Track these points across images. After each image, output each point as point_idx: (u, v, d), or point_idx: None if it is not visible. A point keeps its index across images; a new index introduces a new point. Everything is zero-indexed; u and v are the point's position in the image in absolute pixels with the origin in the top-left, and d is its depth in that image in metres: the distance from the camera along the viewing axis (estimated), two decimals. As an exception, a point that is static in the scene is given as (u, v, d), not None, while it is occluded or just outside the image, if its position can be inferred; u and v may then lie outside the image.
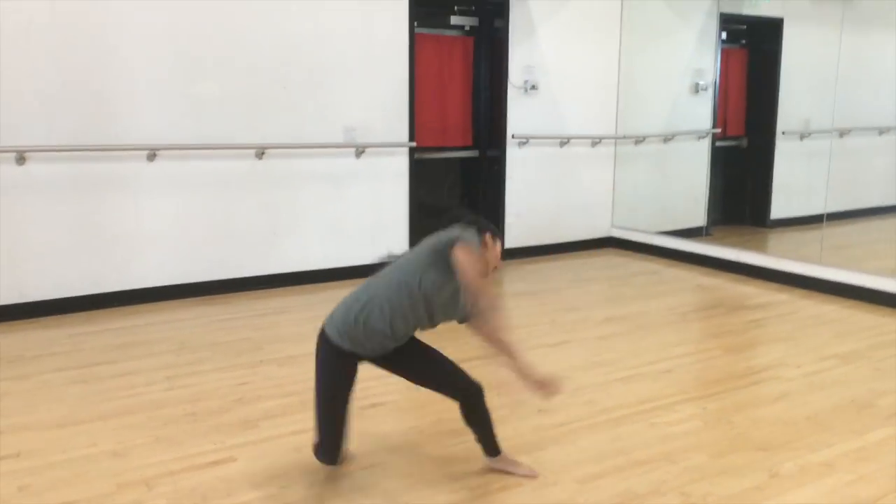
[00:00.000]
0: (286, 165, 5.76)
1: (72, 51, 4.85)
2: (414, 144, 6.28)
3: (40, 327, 4.71)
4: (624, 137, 7.43)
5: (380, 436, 3.23)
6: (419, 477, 2.84)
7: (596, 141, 7.35)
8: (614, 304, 5.45)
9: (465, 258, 2.47)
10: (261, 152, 5.61)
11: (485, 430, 2.86)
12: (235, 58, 5.41)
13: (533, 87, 6.87)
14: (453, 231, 2.61)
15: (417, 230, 6.43)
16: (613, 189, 7.55)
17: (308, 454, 2.93)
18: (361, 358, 2.71)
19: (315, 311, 5.15)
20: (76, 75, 4.88)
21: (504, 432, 3.20)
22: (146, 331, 4.69)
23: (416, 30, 6.20)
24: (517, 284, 6.16)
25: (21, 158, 4.77)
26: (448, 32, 6.69)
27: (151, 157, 5.20)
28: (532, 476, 2.84)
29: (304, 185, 5.85)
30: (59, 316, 4.89)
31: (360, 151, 6.05)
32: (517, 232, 6.98)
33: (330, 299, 5.38)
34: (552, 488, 2.75)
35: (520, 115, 6.85)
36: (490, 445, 2.88)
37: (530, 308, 5.32)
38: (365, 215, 6.15)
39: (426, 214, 6.59)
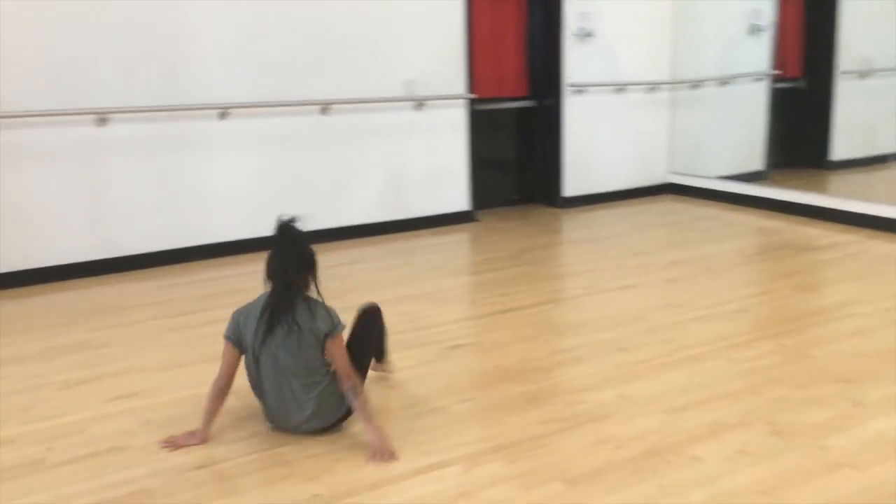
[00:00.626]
0: (349, 120, 5.88)
1: (145, 17, 4.99)
2: (472, 96, 6.34)
3: (130, 280, 4.95)
4: (680, 82, 7.38)
5: (468, 374, 3.39)
6: (510, 410, 2.99)
7: (651, 87, 7.31)
8: (678, 249, 5.51)
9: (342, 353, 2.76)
10: (325, 108, 5.73)
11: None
12: (297, 16, 5.51)
13: (588, 35, 6.85)
14: (319, 313, 2.77)
15: (477, 182, 6.52)
16: (670, 135, 7.53)
17: (410, 389, 3.12)
18: None
19: (385, 261, 5.33)
20: (150, 40, 5.03)
21: (586, 370, 3.35)
22: (227, 282, 4.90)
23: (473, -19, 6.21)
24: (578, 231, 6.24)
25: (102, 119, 4.96)
26: (503, -18, 6.69)
27: (223, 115, 5.36)
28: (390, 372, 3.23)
29: (366, 139, 5.97)
30: (145, 269, 5.12)
31: (419, 104, 6.14)
32: (575, 180, 7.04)
33: (397, 251, 5.62)
34: (642, 419, 2.88)
35: (576, 63, 6.85)
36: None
37: (594, 254, 5.41)
38: (425, 168, 6.26)
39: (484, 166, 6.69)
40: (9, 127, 4.69)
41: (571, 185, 7.04)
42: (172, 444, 2.77)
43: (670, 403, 3.00)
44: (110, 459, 2.68)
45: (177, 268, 5.19)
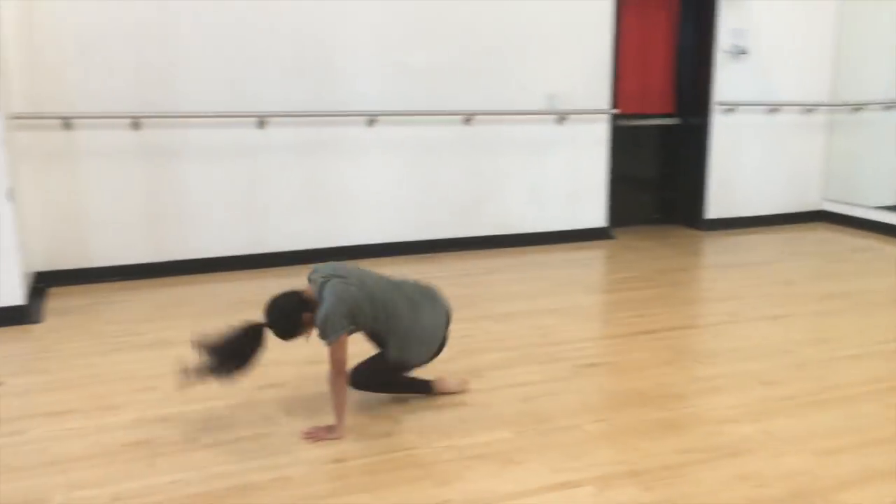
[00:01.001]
0: (491, 132, 5.94)
1: (306, 26, 5.25)
2: (616, 111, 6.26)
3: (277, 276, 5.19)
4: (840, 105, 6.99)
5: (602, 394, 3.34)
6: (646, 435, 2.92)
7: (808, 108, 6.97)
8: (831, 280, 5.21)
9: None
10: (468, 118, 5.82)
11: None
12: (446, 27, 5.64)
13: (742, 52, 6.61)
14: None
15: (615, 199, 6.43)
16: (826, 160, 7.14)
17: (542, 405, 3.12)
18: None
19: (518, 272, 5.34)
20: (308, 48, 5.29)
21: (727, 401, 3.23)
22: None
23: (623, -5, 6.15)
24: (720, 256, 6.02)
25: (261, 123, 5.25)
26: (655, -3, 6.57)
27: (371, 122, 5.55)
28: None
29: (506, 151, 6.02)
30: (292, 266, 5.36)
31: (561, 118, 6.12)
32: (719, 202, 6.80)
33: (532, 263, 5.61)
34: (787, 458, 2.74)
35: (727, 81, 6.63)
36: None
37: (739, 280, 5.20)
38: (564, 182, 6.24)
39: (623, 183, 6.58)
40: (182, 126, 5.05)
41: (715, 206, 6.81)
42: (314, 436, 2.89)
43: (819, 445, 2.84)
44: (256, 445, 2.83)
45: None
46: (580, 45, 6.06)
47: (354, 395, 3.23)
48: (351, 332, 2.95)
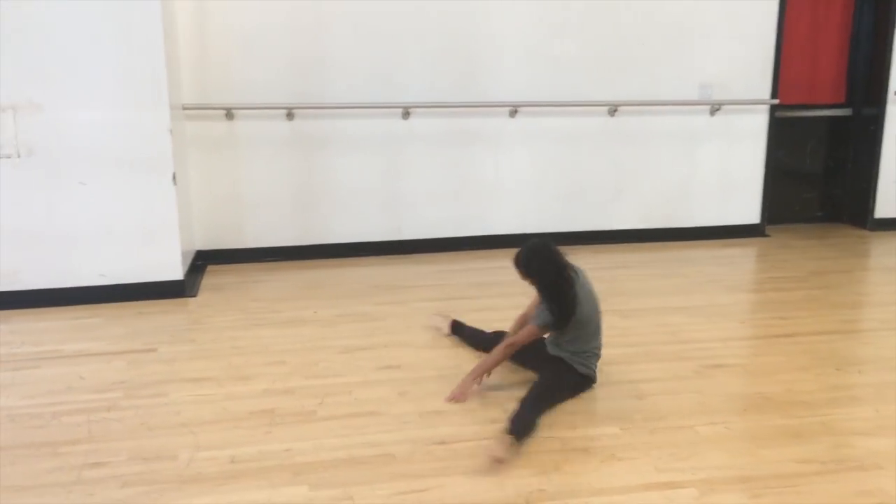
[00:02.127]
0: (637, 123, 5.78)
1: (451, 18, 5.35)
2: (776, 102, 5.89)
3: (413, 262, 5.36)
4: None
5: (724, 397, 3.19)
6: (764, 441, 2.76)
7: None
8: None
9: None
10: (613, 109, 5.69)
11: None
12: (594, 17, 5.53)
13: (927, 37, 6.01)
14: None
15: (774, 194, 6.06)
16: None
17: (657, 403, 3.04)
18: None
19: (653, 269, 5.18)
20: (453, 40, 5.38)
21: (863, 412, 3.00)
22: (500, 273, 5.02)
23: (790, -23, 5.76)
24: (888, 258, 5.54)
25: (406, 113, 5.41)
26: (827, -21, 6.11)
27: (513, 113, 5.56)
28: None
29: (652, 143, 5.83)
30: (428, 254, 5.51)
31: (715, 109, 5.85)
32: (892, 200, 6.24)
33: (673, 259, 5.41)
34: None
35: (907, 68, 6.05)
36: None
37: (905, 285, 4.77)
38: (715, 176, 5.96)
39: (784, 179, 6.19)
40: (331, 117, 5.31)
41: (887, 205, 6.25)
42: (458, 397, 3.09)
43: (960, 466, 2.57)
44: (367, 422, 2.96)
45: (456, 255, 5.50)
46: (740, 31, 5.75)
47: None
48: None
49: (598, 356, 3.27)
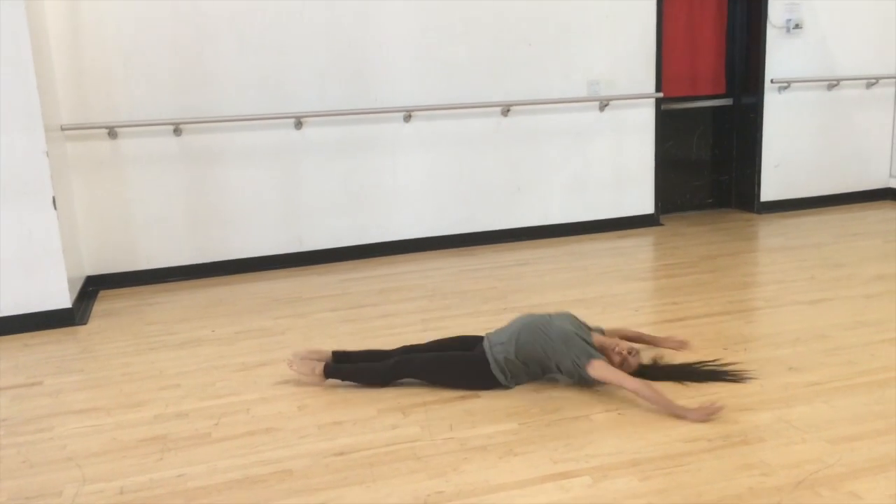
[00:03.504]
0: (530, 121, 5.87)
1: (339, 25, 5.31)
2: (661, 95, 6.10)
3: (315, 273, 5.29)
4: (908, 76, 6.61)
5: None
6: (656, 425, 2.84)
7: (872, 82, 6.62)
8: (887, 262, 4.93)
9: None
10: (506, 109, 5.77)
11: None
12: (481, 19, 5.60)
13: (797, 27, 6.34)
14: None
15: (665, 185, 6.27)
16: (894, 135, 6.76)
17: (554, 395, 3.09)
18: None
19: (555, 263, 5.27)
20: (342, 47, 5.34)
21: (748, 388, 3.12)
22: (403, 278, 5.08)
23: (665, -25, 5.97)
24: (773, 239, 5.79)
25: (298, 123, 5.34)
26: (700, -25, 6.36)
27: (407, 118, 5.57)
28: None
29: (546, 140, 5.94)
30: (330, 263, 5.45)
31: (603, 105, 6.00)
32: (775, 184, 6.55)
33: (572, 253, 5.53)
34: (800, 446, 2.62)
35: (780, 57, 6.37)
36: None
37: (787, 263, 5.00)
38: (608, 170, 6.11)
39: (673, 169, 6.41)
40: (222, 130, 5.19)
41: (771, 189, 6.55)
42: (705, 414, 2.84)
43: (837, 432, 2.70)
44: (264, 439, 2.90)
45: (358, 263, 5.46)
46: (622, 29, 5.92)
47: (367, 393, 3.27)
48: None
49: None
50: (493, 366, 3.17)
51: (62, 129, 4.81)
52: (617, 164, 6.13)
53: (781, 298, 4.27)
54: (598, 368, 3.01)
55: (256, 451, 2.80)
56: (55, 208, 4.29)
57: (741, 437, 2.71)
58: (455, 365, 3.23)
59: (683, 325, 3.91)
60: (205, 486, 2.58)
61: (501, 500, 2.41)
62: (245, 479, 2.62)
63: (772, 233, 5.96)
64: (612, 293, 4.53)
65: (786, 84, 6.40)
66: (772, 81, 6.37)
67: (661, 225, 6.23)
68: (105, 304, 4.76)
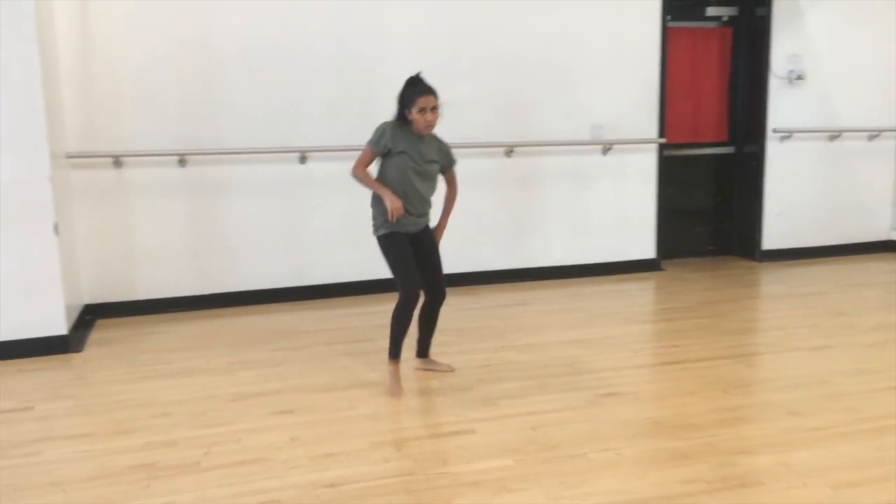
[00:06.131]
0: (533, 163, 5.90)
1: (347, 63, 5.37)
2: (663, 141, 6.14)
3: (315, 307, 5.26)
4: (910, 129, 6.66)
5: (616, 424, 3.22)
6: (653, 465, 2.80)
7: (874, 134, 6.66)
8: (887, 312, 4.90)
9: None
10: (509, 150, 5.80)
11: (429, 332, 3.87)
12: (487, 60, 5.66)
13: (799, 78, 6.40)
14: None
15: (667, 230, 6.27)
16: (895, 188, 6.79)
17: (551, 433, 3.04)
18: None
19: (555, 304, 5.25)
20: (349, 83, 5.40)
21: (748, 431, 3.07)
22: (402, 315, 5.04)
23: (669, 24, 6.05)
24: (774, 287, 5.77)
25: (303, 157, 5.38)
26: (704, 24, 6.45)
27: (411, 156, 5.58)
28: (449, 370, 3.84)
29: (549, 182, 5.96)
30: (330, 298, 5.43)
31: (606, 149, 6.04)
32: (778, 233, 6.55)
33: (571, 294, 5.50)
34: (799, 491, 2.57)
35: (783, 107, 6.43)
36: (423, 347, 3.89)
37: (790, 311, 4.97)
38: (610, 213, 6.12)
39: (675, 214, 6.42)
40: (226, 162, 5.22)
41: (773, 237, 6.55)
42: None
43: (837, 477, 2.65)
44: (254, 469, 2.85)
45: (359, 298, 5.44)
46: (627, 74, 5.99)
47: (360, 425, 3.23)
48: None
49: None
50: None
51: (68, 156, 4.84)
52: (619, 208, 6.14)
53: (782, 344, 4.24)
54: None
55: (246, 480, 2.75)
56: (57, 234, 4.29)
57: (740, 480, 2.66)
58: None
59: (683, 367, 3.87)
60: (191, 514, 2.53)
61: (493, 537, 2.35)
62: (233, 508, 2.57)
63: (773, 280, 5.94)
64: (611, 335, 4.50)
65: (788, 134, 6.44)
66: (774, 131, 6.42)
67: (662, 270, 6.22)
68: (101, 332, 4.73)
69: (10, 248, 4.20)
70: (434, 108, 3.63)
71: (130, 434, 3.18)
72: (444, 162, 3.79)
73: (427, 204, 3.76)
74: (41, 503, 2.62)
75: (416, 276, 3.66)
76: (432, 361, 3.92)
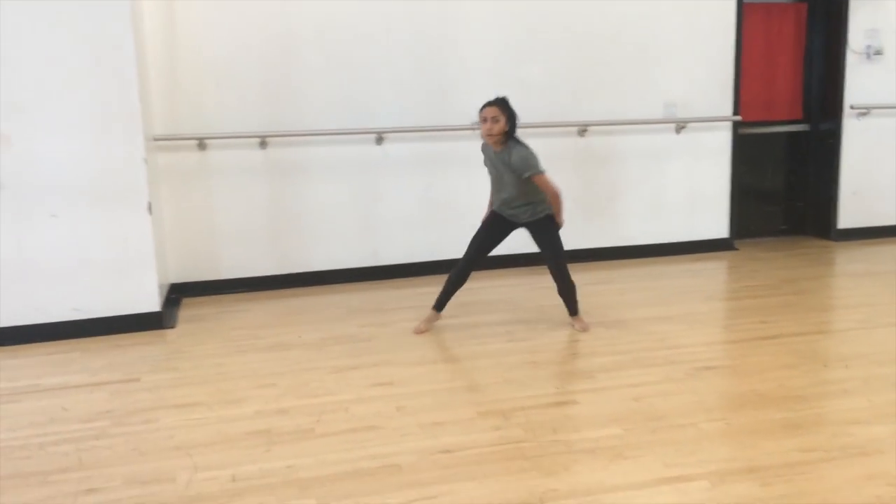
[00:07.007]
0: (606, 142, 5.87)
1: (421, 45, 5.40)
2: (738, 118, 6.06)
3: (392, 287, 5.32)
4: None
5: (719, 395, 3.22)
6: (765, 434, 2.79)
7: (954, 110, 6.49)
8: (980, 288, 4.80)
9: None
10: (583, 130, 5.78)
11: (566, 294, 4.21)
12: (560, 39, 5.64)
13: (877, 53, 6.26)
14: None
15: (740, 209, 6.19)
16: (978, 164, 6.61)
17: (654, 404, 3.05)
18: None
19: (629, 283, 5.24)
20: (424, 65, 5.43)
21: (857, 402, 3.05)
22: (484, 293, 5.08)
23: (745, 0, 5.96)
24: (853, 265, 5.67)
25: (380, 139, 5.43)
26: (779, 0, 6.33)
27: (484, 136, 5.60)
28: (584, 329, 4.10)
29: (622, 162, 5.93)
30: (405, 278, 5.48)
31: (680, 127, 5.98)
32: (854, 211, 6.42)
33: (649, 273, 5.47)
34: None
35: (860, 83, 6.29)
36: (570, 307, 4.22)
37: (874, 288, 4.89)
38: (683, 193, 6.06)
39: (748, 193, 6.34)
40: (305, 144, 5.30)
41: (849, 216, 6.43)
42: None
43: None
44: (367, 436, 2.91)
45: (433, 278, 5.45)
46: (700, 52, 5.92)
47: (462, 396, 3.27)
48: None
49: None
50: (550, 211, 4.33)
51: (155, 139, 4.96)
52: (692, 187, 6.08)
53: (874, 320, 4.17)
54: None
55: (362, 446, 2.81)
56: (150, 213, 4.41)
57: (859, 449, 2.64)
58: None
59: (777, 342, 3.84)
60: (316, 476, 2.60)
61: (619, 500, 2.37)
62: (354, 471, 2.62)
63: (851, 259, 5.84)
64: (695, 311, 4.48)
65: (865, 110, 6.31)
66: (851, 107, 6.29)
67: (736, 249, 6.15)
68: (189, 310, 4.85)
69: (107, 228, 4.32)
70: (487, 119, 4.05)
71: (240, 403, 3.27)
72: (516, 172, 4.09)
73: (511, 203, 4.25)
74: (169, 466, 2.71)
75: (472, 247, 4.35)
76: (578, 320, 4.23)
